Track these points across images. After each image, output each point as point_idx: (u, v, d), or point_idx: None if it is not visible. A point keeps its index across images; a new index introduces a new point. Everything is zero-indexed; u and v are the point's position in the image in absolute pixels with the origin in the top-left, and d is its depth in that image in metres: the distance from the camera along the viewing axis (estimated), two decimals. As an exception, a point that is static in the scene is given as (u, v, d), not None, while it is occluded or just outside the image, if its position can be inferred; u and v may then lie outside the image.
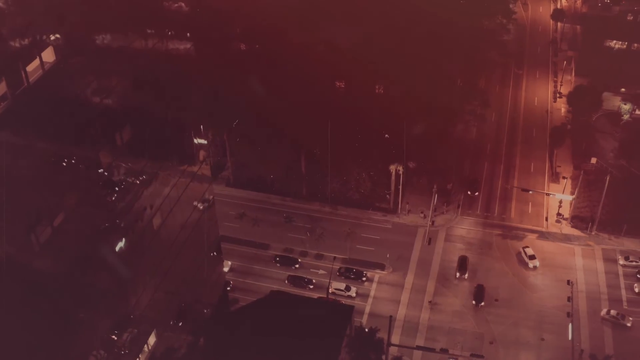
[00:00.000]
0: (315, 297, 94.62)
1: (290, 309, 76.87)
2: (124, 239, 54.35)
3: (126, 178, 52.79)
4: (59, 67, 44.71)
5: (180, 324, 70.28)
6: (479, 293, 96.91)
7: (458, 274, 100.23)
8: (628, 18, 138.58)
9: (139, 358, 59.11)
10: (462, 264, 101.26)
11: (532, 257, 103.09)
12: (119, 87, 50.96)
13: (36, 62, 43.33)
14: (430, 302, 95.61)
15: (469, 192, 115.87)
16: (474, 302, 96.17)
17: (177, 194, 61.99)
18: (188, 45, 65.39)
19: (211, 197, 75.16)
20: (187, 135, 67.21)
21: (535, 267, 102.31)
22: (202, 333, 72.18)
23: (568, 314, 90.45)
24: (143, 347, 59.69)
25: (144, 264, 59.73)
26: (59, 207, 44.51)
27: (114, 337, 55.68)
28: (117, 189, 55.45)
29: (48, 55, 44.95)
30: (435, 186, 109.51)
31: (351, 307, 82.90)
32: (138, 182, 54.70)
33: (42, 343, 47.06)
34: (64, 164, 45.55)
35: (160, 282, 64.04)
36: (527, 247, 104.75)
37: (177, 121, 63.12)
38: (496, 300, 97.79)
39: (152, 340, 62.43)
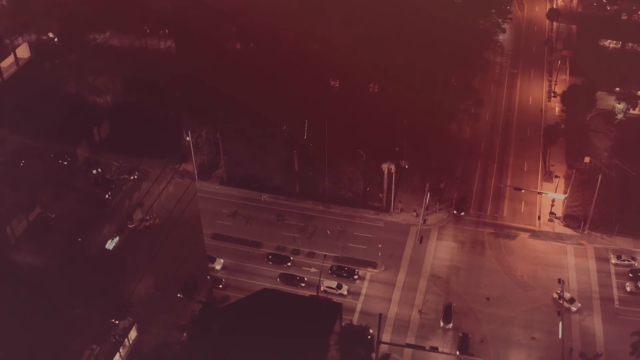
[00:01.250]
0: (307, 295, 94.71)
1: (278, 307, 76.85)
2: (112, 235, 54.47)
3: (109, 173, 52.88)
4: (33, 64, 44.68)
5: (164, 319, 70.33)
6: (463, 342, 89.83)
7: (442, 324, 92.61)
8: (622, 17, 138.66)
9: (120, 352, 59.25)
10: (447, 313, 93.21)
11: (572, 301, 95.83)
12: (102, 84, 51.03)
13: (10, 58, 43.29)
14: (420, 311, 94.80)
15: (454, 212, 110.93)
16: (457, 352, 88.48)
17: (159, 189, 62.04)
18: (169, 43, 65.36)
19: (194, 192, 75.28)
20: (174, 132, 67.30)
21: (578, 309, 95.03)
22: (187, 329, 72.40)
23: (559, 313, 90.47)
24: (123, 341, 59.84)
25: (125, 258, 59.90)
26: (34, 201, 44.57)
27: (95, 330, 55.85)
28: (112, 186, 55.98)
29: (23, 52, 44.85)
30: (427, 185, 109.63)
31: (339, 305, 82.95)
32: (119, 177, 54.78)
33: (27, 338, 47.26)
34: (42, 158, 45.59)
35: (142, 276, 64.13)
36: (560, 290, 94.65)
37: (163, 118, 63.28)
38: (487, 299, 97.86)
39: (133, 334, 62.54)
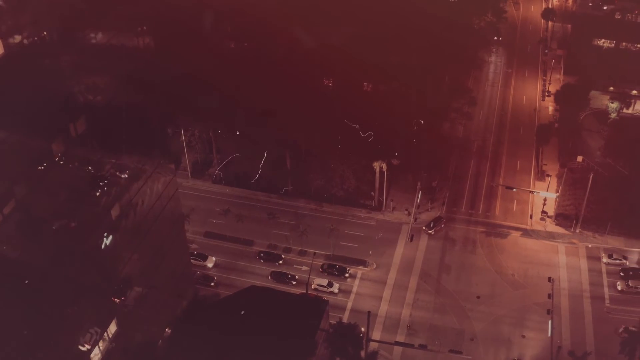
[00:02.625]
0: (298, 292, 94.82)
1: (265, 304, 77.00)
2: (91, 230, 54.56)
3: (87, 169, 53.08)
4: (5, 60, 44.76)
5: (146, 314, 70.45)
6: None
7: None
8: (616, 17, 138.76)
9: (99, 345, 59.48)
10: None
11: None
12: (79, 80, 51.22)
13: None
14: (408, 327, 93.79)
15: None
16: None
17: (138, 185, 62.17)
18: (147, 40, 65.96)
19: (175, 188, 75.39)
20: (155, 128, 67.50)
21: None
22: (171, 324, 72.50)
23: (548, 311, 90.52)
24: (103, 334, 60.05)
25: (104, 253, 60.06)
26: (9, 196, 44.68)
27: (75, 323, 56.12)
28: (100, 183, 56.17)
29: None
30: (419, 183, 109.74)
31: (326, 302, 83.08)
32: (98, 173, 55.01)
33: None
34: (16, 152, 45.76)
35: (122, 270, 64.23)
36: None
37: (144, 114, 63.56)
38: (478, 297, 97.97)
39: (112, 328, 62.77)
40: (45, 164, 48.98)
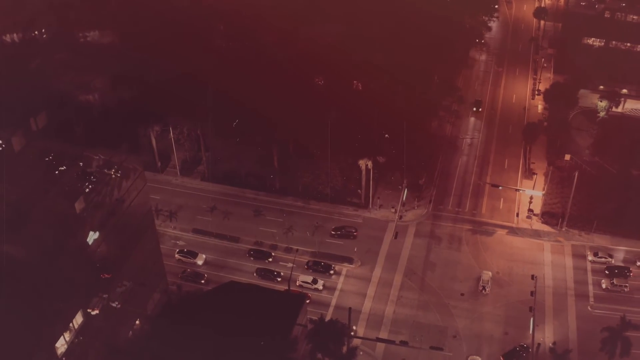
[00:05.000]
0: (282, 289, 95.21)
1: (242, 299, 77.34)
2: (57, 221, 54.88)
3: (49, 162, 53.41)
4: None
5: (114, 306, 70.93)
6: None
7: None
8: (605, 16, 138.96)
9: (64, 336, 59.96)
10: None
11: None
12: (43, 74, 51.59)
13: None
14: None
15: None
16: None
17: (105, 179, 62.57)
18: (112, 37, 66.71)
19: (144, 183, 75.84)
20: (123, 123, 68.01)
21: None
22: (142, 317, 72.79)
23: (530, 309, 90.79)
24: (68, 324, 60.47)
25: (69, 244, 60.47)
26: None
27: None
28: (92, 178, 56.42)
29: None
30: (405, 181, 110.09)
31: (303, 296, 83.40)
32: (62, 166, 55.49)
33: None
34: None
35: (88, 262, 64.68)
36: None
37: (109, 109, 64.13)
38: (462, 294, 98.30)
39: (79, 319, 63.24)
40: (4, 156, 49.53)
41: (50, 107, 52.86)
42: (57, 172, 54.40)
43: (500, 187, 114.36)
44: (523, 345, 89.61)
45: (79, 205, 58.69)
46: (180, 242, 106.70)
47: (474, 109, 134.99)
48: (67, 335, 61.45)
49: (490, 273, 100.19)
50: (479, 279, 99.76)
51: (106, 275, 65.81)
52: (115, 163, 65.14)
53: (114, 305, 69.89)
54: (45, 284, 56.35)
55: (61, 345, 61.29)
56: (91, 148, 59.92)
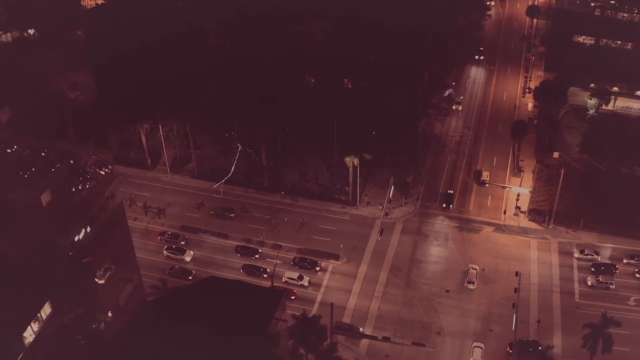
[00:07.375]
0: (267, 285, 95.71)
1: (221, 294, 77.71)
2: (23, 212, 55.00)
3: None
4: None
5: (84, 297, 71.27)
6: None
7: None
8: (596, 14, 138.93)
9: (31, 326, 60.41)
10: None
11: None
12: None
13: None
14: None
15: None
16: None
17: (71, 172, 62.87)
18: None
19: (113, 178, 76.32)
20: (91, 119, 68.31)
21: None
22: (113, 309, 72.92)
23: (513, 305, 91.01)
24: (35, 315, 60.86)
25: (37, 236, 60.93)
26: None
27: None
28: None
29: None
30: (392, 178, 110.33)
31: (281, 292, 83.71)
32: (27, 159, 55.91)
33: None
34: None
35: (56, 253, 65.22)
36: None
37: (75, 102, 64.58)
38: (447, 291, 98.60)
39: (47, 309, 63.90)
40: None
41: (15, 100, 53.27)
42: (23, 164, 54.84)
43: (487, 184, 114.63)
44: (532, 340, 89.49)
45: (45, 198, 59.14)
46: (168, 233, 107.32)
47: (453, 107, 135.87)
48: (34, 326, 61.91)
49: (477, 267, 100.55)
50: (464, 275, 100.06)
51: (88, 259, 66.07)
52: (84, 156, 65.58)
53: (82, 296, 70.10)
54: (10, 274, 56.79)
55: (29, 335, 61.78)
56: (59, 142, 60.32)
